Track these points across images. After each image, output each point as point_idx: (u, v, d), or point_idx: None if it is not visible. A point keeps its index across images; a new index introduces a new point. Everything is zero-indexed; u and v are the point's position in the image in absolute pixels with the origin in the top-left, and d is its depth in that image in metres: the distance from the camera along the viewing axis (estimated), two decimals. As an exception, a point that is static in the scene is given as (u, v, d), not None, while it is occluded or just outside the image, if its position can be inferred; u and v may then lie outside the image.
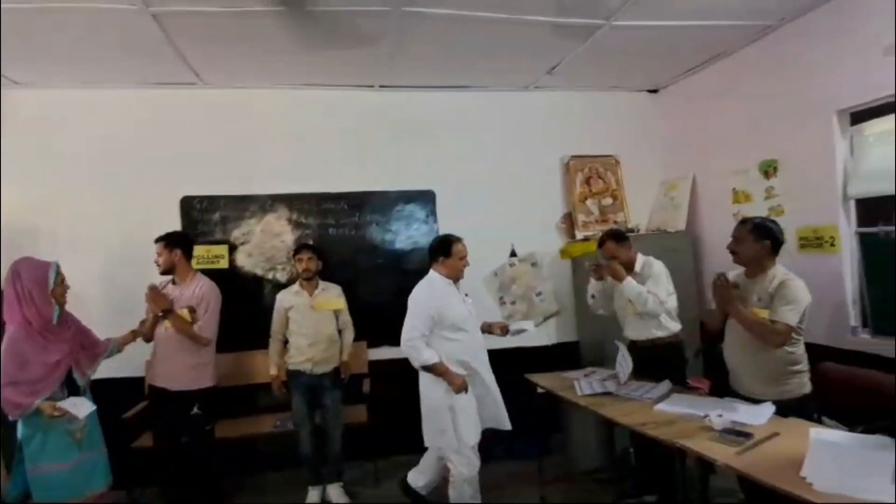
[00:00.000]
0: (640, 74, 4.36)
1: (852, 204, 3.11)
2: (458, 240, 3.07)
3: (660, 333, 3.11)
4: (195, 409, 3.14)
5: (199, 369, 3.18)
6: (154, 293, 3.10)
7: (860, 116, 3.04)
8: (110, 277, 3.80)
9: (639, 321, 3.14)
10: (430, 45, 3.43)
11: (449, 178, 4.33)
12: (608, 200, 4.56)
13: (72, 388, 2.66)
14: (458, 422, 2.88)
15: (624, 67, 4.09)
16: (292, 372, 3.52)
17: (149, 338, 3.19)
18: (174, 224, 3.88)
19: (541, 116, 4.50)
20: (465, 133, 4.38)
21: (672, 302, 3.12)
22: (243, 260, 4.06)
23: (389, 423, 3.89)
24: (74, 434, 2.60)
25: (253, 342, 3.76)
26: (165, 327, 3.13)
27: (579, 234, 4.40)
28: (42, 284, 2.56)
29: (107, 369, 3.05)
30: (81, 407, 2.61)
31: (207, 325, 3.17)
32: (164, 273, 3.25)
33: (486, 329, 3.20)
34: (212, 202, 4.02)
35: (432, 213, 4.33)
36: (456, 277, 3.05)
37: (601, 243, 3.23)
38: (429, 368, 2.87)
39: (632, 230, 4.32)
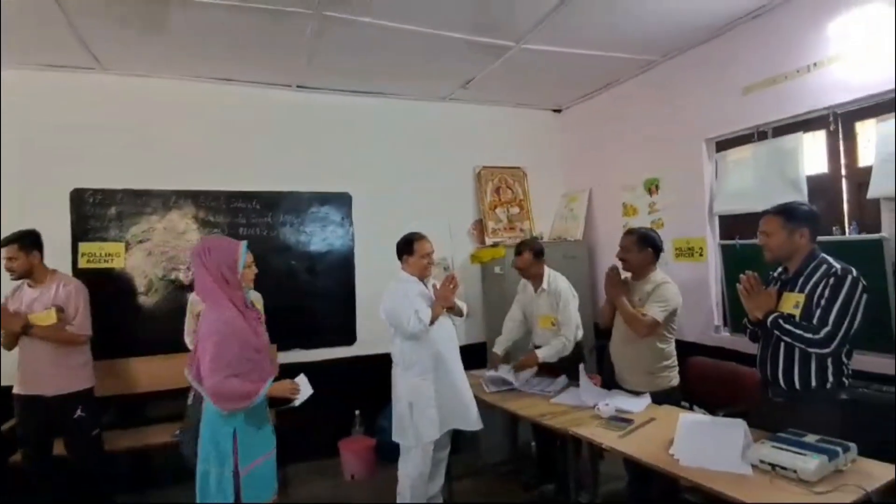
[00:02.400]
0: (545, 94, 4.71)
1: (717, 219, 3.60)
2: (422, 238, 2.95)
3: None
4: (79, 412, 2.93)
5: (78, 369, 2.98)
6: (5, 316, 2.81)
7: (724, 145, 3.52)
8: None
9: (547, 333, 3.34)
10: (350, 51, 3.47)
11: (365, 181, 4.38)
12: (515, 209, 4.86)
13: None
14: (415, 418, 2.83)
15: (532, 87, 4.41)
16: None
17: (11, 347, 2.91)
18: (63, 220, 3.58)
19: (455, 127, 4.69)
20: (382, 138, 4.46)
21: (577, 319, 3.29)
22: (142, 259, 3.81)
23: (298, 428, 3.84)
24: (271, 420, 2.33)
25: (148, 347, 3.57)
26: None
27: (489, 241, 4.65)
28: (231, 264, 2.22)
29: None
30: (305, 384, 2.36)
31: (83, 323, 2.99)
32: (19, 279, 2.95)
33: None
34: (107, 196, 3.74)
35: (348, 215, 4.35)
36: (421, 276, 2.96)
37: (519, 252, 3.34)
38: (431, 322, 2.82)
39: (536, 238, 4.65)
